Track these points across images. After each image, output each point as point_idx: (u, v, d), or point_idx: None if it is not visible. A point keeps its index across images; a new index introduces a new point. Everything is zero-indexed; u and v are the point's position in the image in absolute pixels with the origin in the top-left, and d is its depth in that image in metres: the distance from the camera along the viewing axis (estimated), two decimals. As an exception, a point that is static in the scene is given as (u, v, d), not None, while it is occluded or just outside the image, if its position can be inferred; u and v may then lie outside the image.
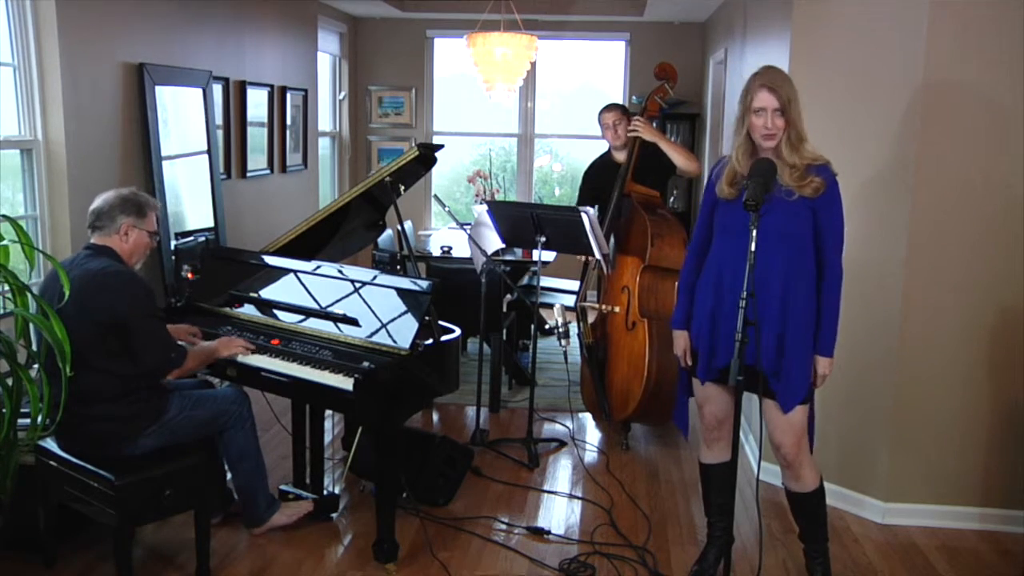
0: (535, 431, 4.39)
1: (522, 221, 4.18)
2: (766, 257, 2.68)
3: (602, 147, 4.85)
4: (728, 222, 2.79)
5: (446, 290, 3.40)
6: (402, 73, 7.98)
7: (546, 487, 3.92)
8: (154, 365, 2.94)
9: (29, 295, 2.75)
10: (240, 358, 3.17)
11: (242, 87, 5.47)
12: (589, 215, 4.00)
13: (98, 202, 2.97)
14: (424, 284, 3.16)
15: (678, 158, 4.38)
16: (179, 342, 3.11)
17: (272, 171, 5.98)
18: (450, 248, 5.60)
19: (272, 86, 5.90)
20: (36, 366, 2.79)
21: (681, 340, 2.97)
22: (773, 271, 2.71)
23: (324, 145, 7.52)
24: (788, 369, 2.74)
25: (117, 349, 2.85)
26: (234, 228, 5.24)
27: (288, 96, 6.17)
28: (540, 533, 3.45)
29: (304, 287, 3.40)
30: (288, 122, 6.19)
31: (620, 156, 4.56)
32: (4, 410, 2.70)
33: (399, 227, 3.83)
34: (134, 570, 2.90)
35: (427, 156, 3.74)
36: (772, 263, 2.71)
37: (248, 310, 3.46)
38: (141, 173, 4.33)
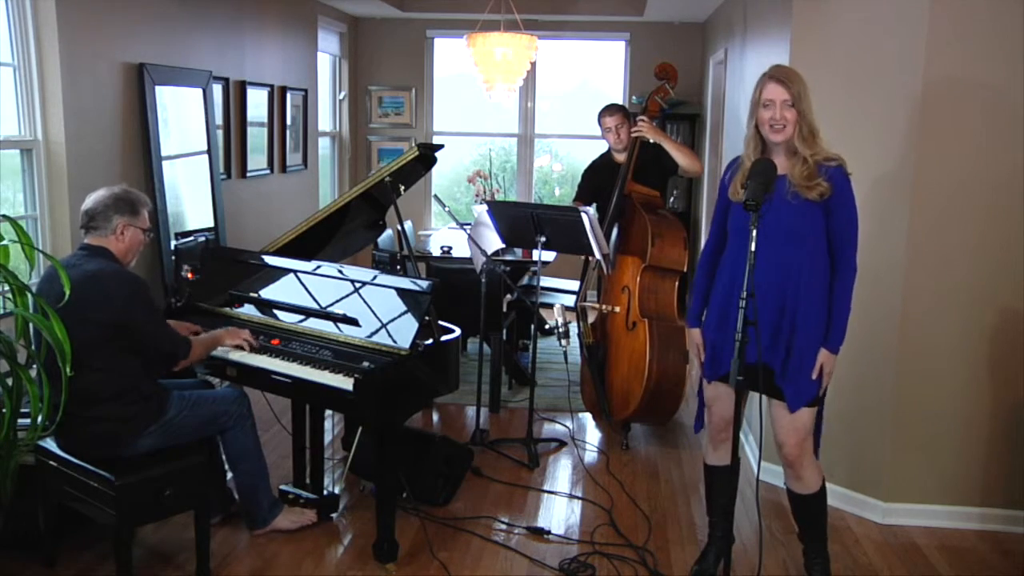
0: (535, 431, 4.39)
1: (522, 221, 4.17)
2: (778, 258, 2.70)
3: (602, 147, 4.85)
4: (739, 224, 2.78)
5: (446, 290, 3.40)
6: (402, 73, 7.98)
7: (546, 487, 3.92)
8: (161, 358, 2.95)
9: (29, 295, 2.75)
10: (240, 358, 3.17)
11: (242, 87, 5.46)
12: (589, 215, 4.00)
13: (90, 202, 2.96)
14: (424, 284, 3.16)
15: (681, 158, 4.38)
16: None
17: (272, 171, 5.98)
18: (450, 248, 5.59)
19: (272, 86, 5.90)
20: (36, 366, 2.79)
21: (694, 338, 2.98)
22: (787, 272, 2.71)
23: (324, 145, 7.52)
24: (798, 369, 2.75)
25: (120, 348, 2.85)
26: (234, 228, 5.24)
27: (288, 96, 6.17)
28: (540, 533, 3.45)
29: (304, 287, 3.40)
30: (288, 122, 6.19)
31: (621, 157, 4.56)
32: (4, 410, 2.70)
33: (399, 227, 3.83)
34: (134, 570, 2.90)
35: (427, 156, 3.74)
36: (786, 264, 2.71)
37: (248, 310, 3.46)
38: (141, 173, 4.34)
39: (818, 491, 2.91)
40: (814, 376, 2.76)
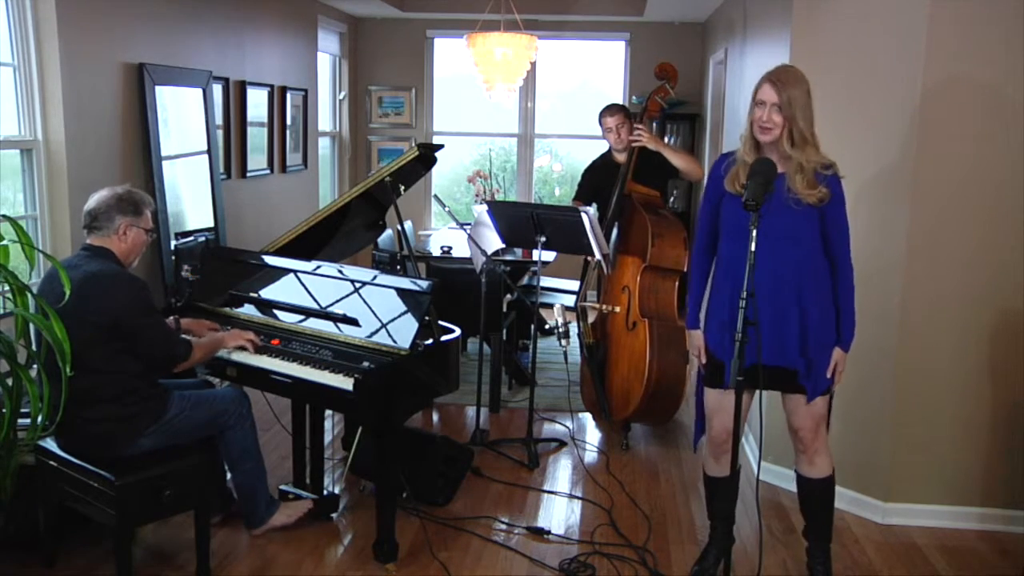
0: (535, 431, 4.38)
1: (522, 221, 4.17)
2: (779, 261, 2.72)
3: (602, 147, 4.85)
4: (736, 224, 2.78)
5: (446, 290, 3.40)
6: (402, 73, 7.98)
7: (546, 487, 3.92)
8: (161, 361, 2.95)
9: (29, 295, 2.75)
10: (240, 358, 3.17)
11: (242, 87, 5.47)
12: (589, 215, 4.00)
13: (93, 202, 2.96)
14: (424, 284, 3.16)
15: (681, 163, 4.39)
16: (188, 336, 3.13)
17: (272, 171, 5.98)
18: (450, 248, 5.59)
19: (272, 86, 5.90)
20: (36, 366, 2.79)
21: (695, 339, 2.98)
22: (787, 274, 2.73)
23: (324, 145, 7.52)
24: (815, 364, 2.79)
25: (120, 349, 2.85)
26: (234, 228, 5.24)
27: (288, 96, 6.17)
28: (540, 533, 3.45)
29: (304, 287, 3.40)
30: (288, 122, 6.19)
31: (621, 157, 4.56)
32: (4, 410, 2.71)
33: (399, 227, 3.83)
34: (134, 570, 2.90)
35: (427, 156, 3.74)
36: (785, 266, 2.73)
37: (248, 310, 3.46)
38: (141, 173, 4.34)
39: (828, 476, 2.95)
40: (828, 375, 2.82)
